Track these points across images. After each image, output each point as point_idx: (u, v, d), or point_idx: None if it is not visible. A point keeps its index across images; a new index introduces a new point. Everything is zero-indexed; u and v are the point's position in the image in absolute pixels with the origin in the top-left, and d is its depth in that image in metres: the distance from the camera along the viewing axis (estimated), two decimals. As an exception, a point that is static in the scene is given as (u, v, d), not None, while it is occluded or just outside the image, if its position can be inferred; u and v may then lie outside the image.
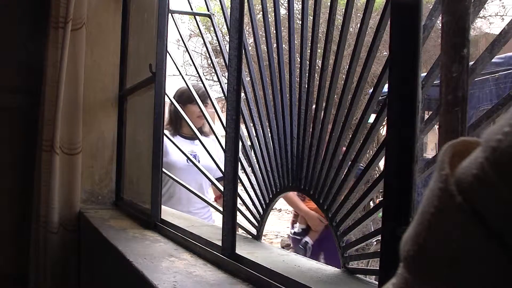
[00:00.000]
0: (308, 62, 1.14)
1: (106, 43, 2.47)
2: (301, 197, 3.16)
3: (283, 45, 1.29)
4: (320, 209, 1.09)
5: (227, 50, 1.32)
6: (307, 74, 1.14)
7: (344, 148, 1.03)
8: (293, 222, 3.45)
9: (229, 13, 1.33)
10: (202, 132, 2.41)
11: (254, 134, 1.37)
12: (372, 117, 0.95)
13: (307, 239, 3.22)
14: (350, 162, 1.01)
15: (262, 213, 1.38)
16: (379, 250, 0.71)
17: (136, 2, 2.38)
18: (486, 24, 7.46)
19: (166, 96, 1.87)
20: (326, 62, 1.06)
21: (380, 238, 0.71)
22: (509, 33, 0.70)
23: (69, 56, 2.22)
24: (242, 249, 1.24)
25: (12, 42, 2.55)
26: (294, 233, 3.35)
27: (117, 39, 2.48)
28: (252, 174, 1.41)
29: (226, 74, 1.34)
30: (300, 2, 1.21)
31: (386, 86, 0.73)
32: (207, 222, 2.10)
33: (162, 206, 1.87)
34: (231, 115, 1.30)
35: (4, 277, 2.56)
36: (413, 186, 0.66)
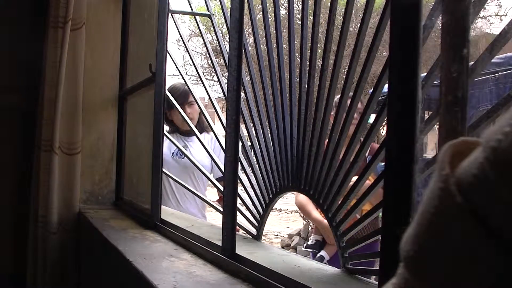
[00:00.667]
0: (308, 62, 1.14)
1: (106, 43, 2.47)
2: None
3: (283, 45, 1.29)
4: (320, 209, 1.09)
5: (227, 50, 1.32)
6: (307, 74, 1.14)
7: (344, 148, 1.03)
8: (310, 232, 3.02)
9: (229, 13, 1.33)
10: (202, 129, 2.46)
11: (254, 134, 1.37)
12: (372, 117, 0.95)
13: (322, 253, 2.66)
14: (350, 162, 1.01)
15: (262, 213, 1.38)
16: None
17: (136, 2, 2.38)
18: (487, 24, 7.47)
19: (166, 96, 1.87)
20: (326, 62, 1.06)
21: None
22: (509, 33, 0.70)
23: (68, 56, 2.22)
24: (242, 249, 1.24)
25: (12, 42, 2.55)
26: (307, 246, 2.82)
27: (117, 39, 2.48)
28: (252, 174, 1.41)
29: (226, 74, 1.34)
30: (300, 2, 1.21)
31: (386, 86, 0.73)
32: (207, 222, 2.10)
33: (162, 206, 1.87)
34: (231, 115, 1.30)
35: (4, 277, 2.56)
36: (413, 186, 0.66)
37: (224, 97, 1.41)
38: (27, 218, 2.39)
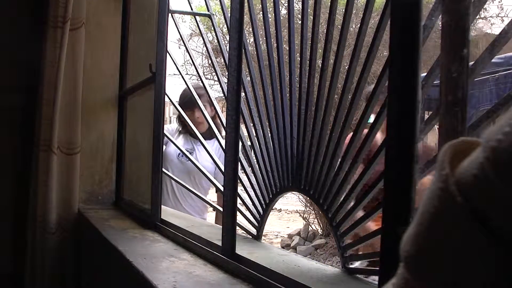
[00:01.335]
0: (308, 62, 1.14)
1: (106, 43, 2.47)
2: None
3: (283, 45, 1.29)
4: (320, 209, 1.09)
5: (227, 50, 1.32)
6: (307, 74, 1.14)
7: (344, 148, 1.03)
8: None
9: (229, 13, 1.33)
10: (211, 134, 2.41)
11: (254, 134, 1.37)
12: (372, 117, 0.95)
13: None
14: (350, 162, 1.01)
15: (262, 213, 1.38)
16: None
17: (136, 2, 2.38)
18: (487, 24, 7.46)
19: (166, 96, 1.87)
20: (326, 62, 1.06)
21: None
22: (509, 33, 0.70)
23: (67, 55, 2.22)
24: (242, 249, 1.24)
25: (11, 41, 2.55)
26: None
27: (117, 39, 2.48)
28: (252, 174, 1.41)
29: (226, 74, 1.34)
30: (300, 2, 1.21)
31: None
32: (207, 222, 2.10)
33: (162, 206, 1.87)
34: (231, 115, 1.30)
35: (3, 277, 2.56)
36: (413, 186, 0.66)
37: (224, 97, 1.41)
38: (26, 218, 2.39)
